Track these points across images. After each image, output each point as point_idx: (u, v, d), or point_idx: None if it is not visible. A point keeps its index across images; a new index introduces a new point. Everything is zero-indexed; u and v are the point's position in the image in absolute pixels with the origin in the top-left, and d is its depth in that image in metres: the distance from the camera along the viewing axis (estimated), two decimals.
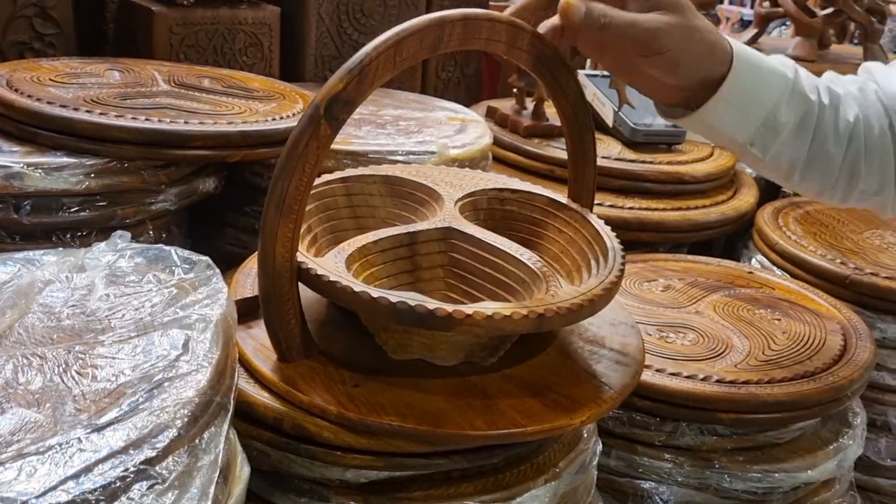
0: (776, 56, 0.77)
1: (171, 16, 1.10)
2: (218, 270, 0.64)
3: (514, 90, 1.35)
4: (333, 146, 0.95)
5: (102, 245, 0.68)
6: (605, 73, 1.37)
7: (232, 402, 0.55)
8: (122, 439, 0.46)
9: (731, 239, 1.28)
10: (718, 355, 0.85)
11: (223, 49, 1.17)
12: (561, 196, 0.77)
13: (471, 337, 0.63)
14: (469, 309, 0.57)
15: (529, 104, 1.33)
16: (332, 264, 0.62)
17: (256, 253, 0.78)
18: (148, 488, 0.45)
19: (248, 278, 0.73)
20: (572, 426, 0.61)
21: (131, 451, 0.46)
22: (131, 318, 0.59)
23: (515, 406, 0.61)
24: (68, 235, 0.79)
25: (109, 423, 0.47)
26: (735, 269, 1.08)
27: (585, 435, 0.71)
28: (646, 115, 1.33)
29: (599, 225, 0.72)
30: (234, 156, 0.84)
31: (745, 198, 1.28)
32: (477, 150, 1.04)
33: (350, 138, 0.98)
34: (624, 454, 0.83)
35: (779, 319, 0.94)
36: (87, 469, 0.44)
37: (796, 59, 1.59)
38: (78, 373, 0.53)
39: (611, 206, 1.16)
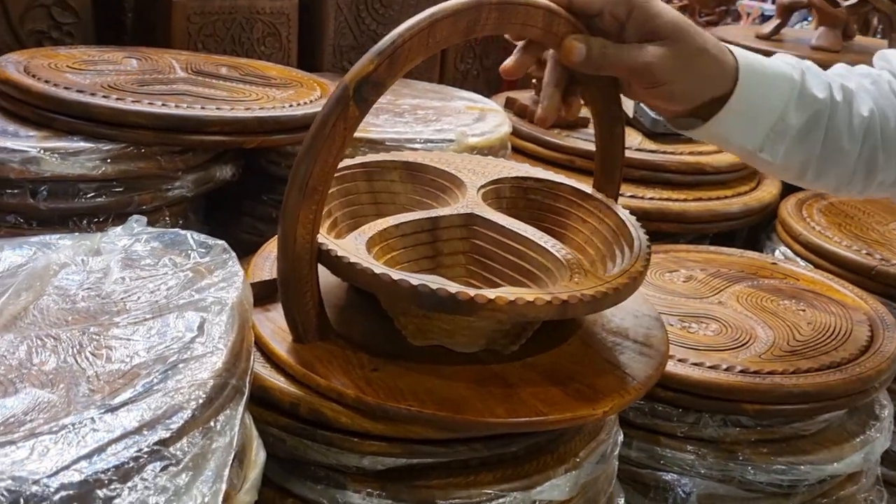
0: (781, 56, 0.76)
1: (189, 5, 1.10)
2: (234, 254, 0.63)
3: (534, 81, 1.34)
4: None
5: (118, 229, 0.67)
6: None
7: (248, 385, 0.54)
8: (136, 420, 0.45)
9: (755, 230, 1.26)
10: (742, 345, 0.84)
11: (241, 39, 1.17)
12: (585, 186, 0.76)
13: (493, 323, 0.62)
14: (492, 293, 0.56)
15: None
16: (353, 246, 0.61)
17: (275, 237, 0.78)
18: (161, 469, 0.44)
19: (265, 262, 0.73)
20: (595, 416, 0.60)
21: (145, 432, 0.45)
22: (146, 301, 0.58)
23: (537, 394, 0.60)
24: (85, 221, 0.79)
25: (123, 404, 0.47)
26: (758, 259, 1.06)
27: (607, 425, 0.70)
28: None
29: (625, 215, 0.70)
30: (250, 142, 0.84)
31: (769, 188, 1.26)
32: (496, 138, 1.03)
33: (368, 126, 0.98)
34: (646, 445, 0.81)
35: (804, 310, 0.92)
36: (100, 449, 0.43)
37: (820, 49, 1.59)
38: (92, 354, 0.52)
39: (631, 196, 1.15)
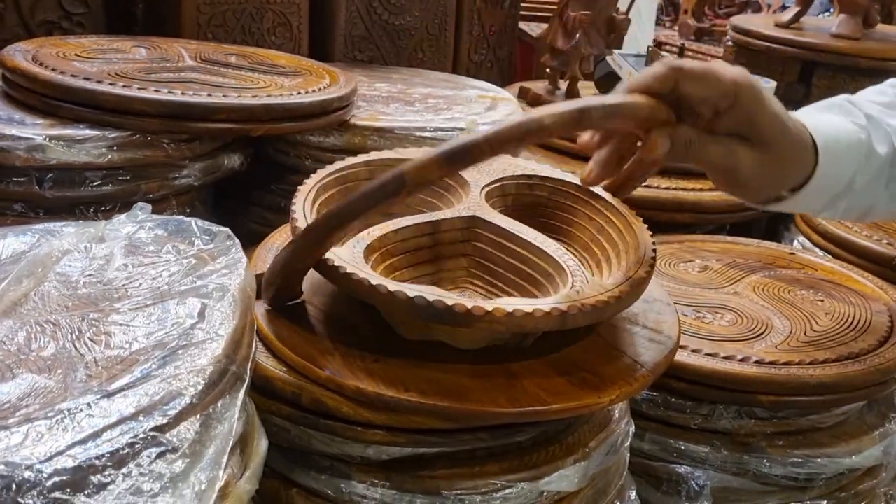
0: (847, 106, 0.73)
1: None
2: (238, 241, 0.62)
3: (548, 70, 1.32)
4: (360, 122, 0.94)
5: (123, 217, 0.67)
6: (640, 53, 1.33)
7: (248, 372, 0.53)
8: (133, 406, 0.45)
9: (773, 221, 1.24)
10: (758, 336, 0.82)
11: (251, 29, 1.16)
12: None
13: (491, 333, 0.61)
14: (489, 305, 0.55)
15: (563, 85, 1.30)
16: (350, 254, 0.60)
17: (281, 227, 0.78)
18: (157, 456, 0.44)
19: (269, 253, 0.72)
20: (600, 405, 0.59)
21: (141, 418, 0.44)
22: (148, 287, 0.57)
23: (541, 384, 0.58)
24: (91, 210, 0.78)
25: (120, 390, 0.46)
26: (775, 250, 1.04)
27: (617, 415, 0.68)
28: None
29: (631, 216, 0.69)
30: (257, 129, 0.83)
31: None
32: None
33: (378, 115, 0.97)
34: (658, 437, 0.80)
35: (822, 300, 0.90)
36: (95, 435, 0.43)
37: (840, 37, 1.56)
38: (91, 340, 0.51)
39: (646, 186, 1.12)
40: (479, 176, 0.73)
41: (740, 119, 0.64)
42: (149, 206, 0.68)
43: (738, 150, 0.64)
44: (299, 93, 0.88)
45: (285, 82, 0.92)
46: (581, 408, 0.58)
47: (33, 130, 0.75)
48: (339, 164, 0.72)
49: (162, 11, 1.15)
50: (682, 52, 2.16)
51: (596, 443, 0.65)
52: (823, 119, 0.71)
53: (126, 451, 0.43)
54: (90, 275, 0.59)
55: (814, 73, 1.56)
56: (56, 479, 0.40)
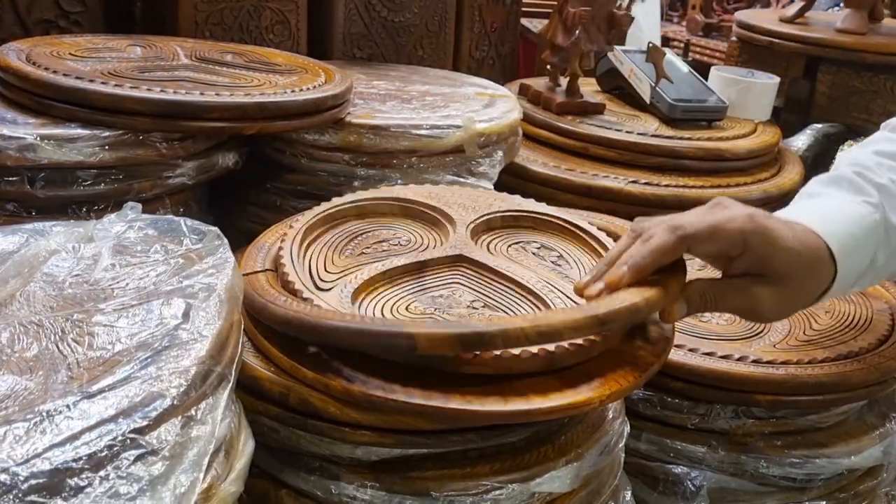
0: (858, 182, 0.71)
1: None
2: (226, 241, 0.62)
3: (548, 67, 1.31)
4: (355, 120, 0.94)
5: (113, 216, 0.66)
6: (642, 49, 1.32)
7: (234, 373, 0.53)
8: (113, 408, 0.44)
9: None
10: (756, 335, 0.81)
11: (248, 27, 1.16)
12: (578, 218, 0.78)
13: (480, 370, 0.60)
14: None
15: (563, 81, 1.29)
16: (338, 300, 0.62)
17: (271, 228, 0.77)
18: (137, 458, 0.43)
19: (260, 252, 0.71)
20: (591, 405, 0.58)
21: (120, 420, 0.44)
22: (134, 287, 0.57)
23: (531, 384, 0.58)
24: (84, 209, 0.78)
25: (101, 392, 0.45)
26: None
27: (611, 415, 0.68)
28: (684, 91, 1.28)
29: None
30: (250, 128, 0.82)
31: (789, 175, 1.22)
32: (505, 124, 1.00)
33: (374, 112, 0.96)
34: (655, 437, 0.79)
35: None
36: (73, 437, 0.42)
37: (845, 32, 1.54)
38: (74, 340, 0.51)
39: (646, 183, 1.12)
40: (465, 213, 0.76)
41: (752, 262, 0.64)
42: (139, 206, 0.68)
43: (754, 291, 0.65)
44: (293, 91, 0.88)
45: (280, 80, 0.92)
46: (571, 408, 0.57)
47: (25, 130, 0.75)
48: (325, 206, 0.76)
49: (160, 10, 1.14)
50: (687, 47, 2.15)
51: (589, 444, 0.64)
52: (833, 208, 0.70)
53: (104, 453, 0.42)
54: (77, 275, 0.59)
55: (818, 68, 1.54)
56: (32, 482, 0.40)
